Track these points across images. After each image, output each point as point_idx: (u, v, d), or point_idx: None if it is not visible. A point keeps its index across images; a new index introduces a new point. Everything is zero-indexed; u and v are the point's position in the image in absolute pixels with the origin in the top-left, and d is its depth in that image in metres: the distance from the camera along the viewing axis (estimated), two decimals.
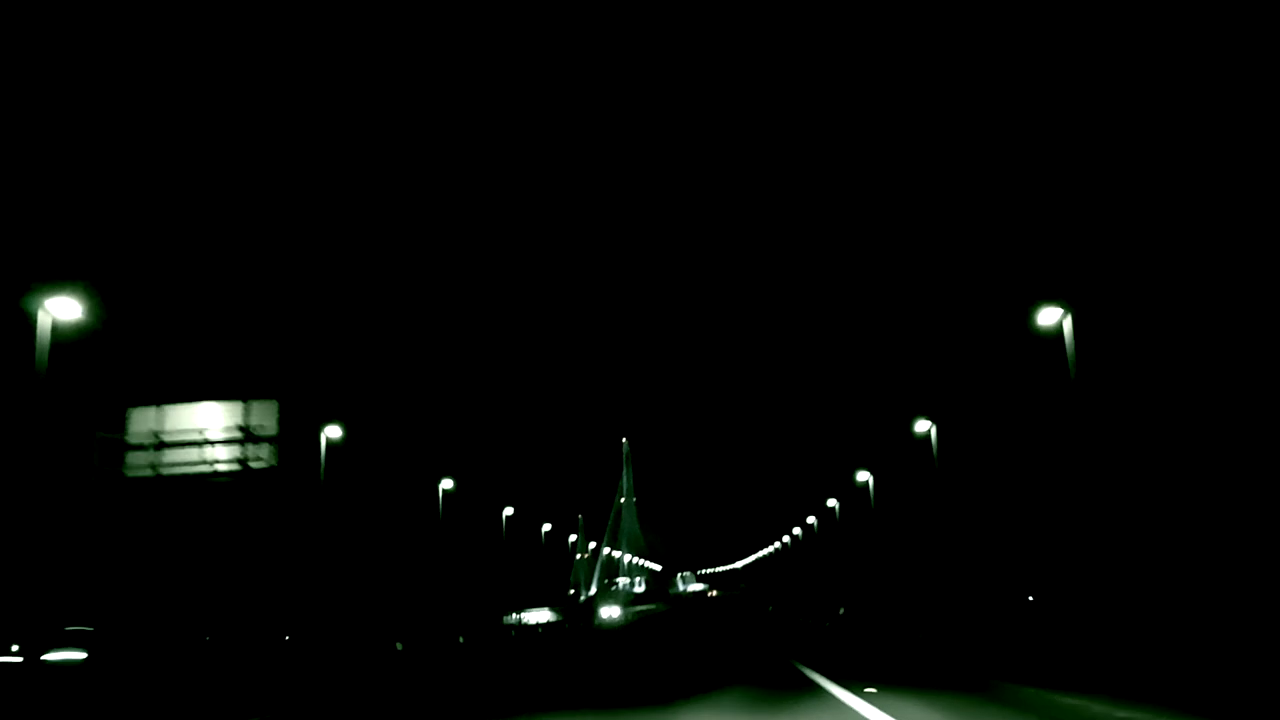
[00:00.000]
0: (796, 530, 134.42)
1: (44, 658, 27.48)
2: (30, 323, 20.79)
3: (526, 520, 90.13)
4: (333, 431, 39.16)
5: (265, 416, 34.66)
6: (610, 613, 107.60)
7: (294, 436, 37.58)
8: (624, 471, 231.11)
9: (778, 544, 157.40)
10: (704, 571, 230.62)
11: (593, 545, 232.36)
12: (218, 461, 34.20)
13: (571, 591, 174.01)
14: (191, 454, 33.92)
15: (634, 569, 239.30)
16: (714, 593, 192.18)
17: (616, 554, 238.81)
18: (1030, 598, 38.31)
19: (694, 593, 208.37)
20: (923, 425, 47.54)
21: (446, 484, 58.85)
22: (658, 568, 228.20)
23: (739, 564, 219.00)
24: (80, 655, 29.68)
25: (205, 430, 34.37)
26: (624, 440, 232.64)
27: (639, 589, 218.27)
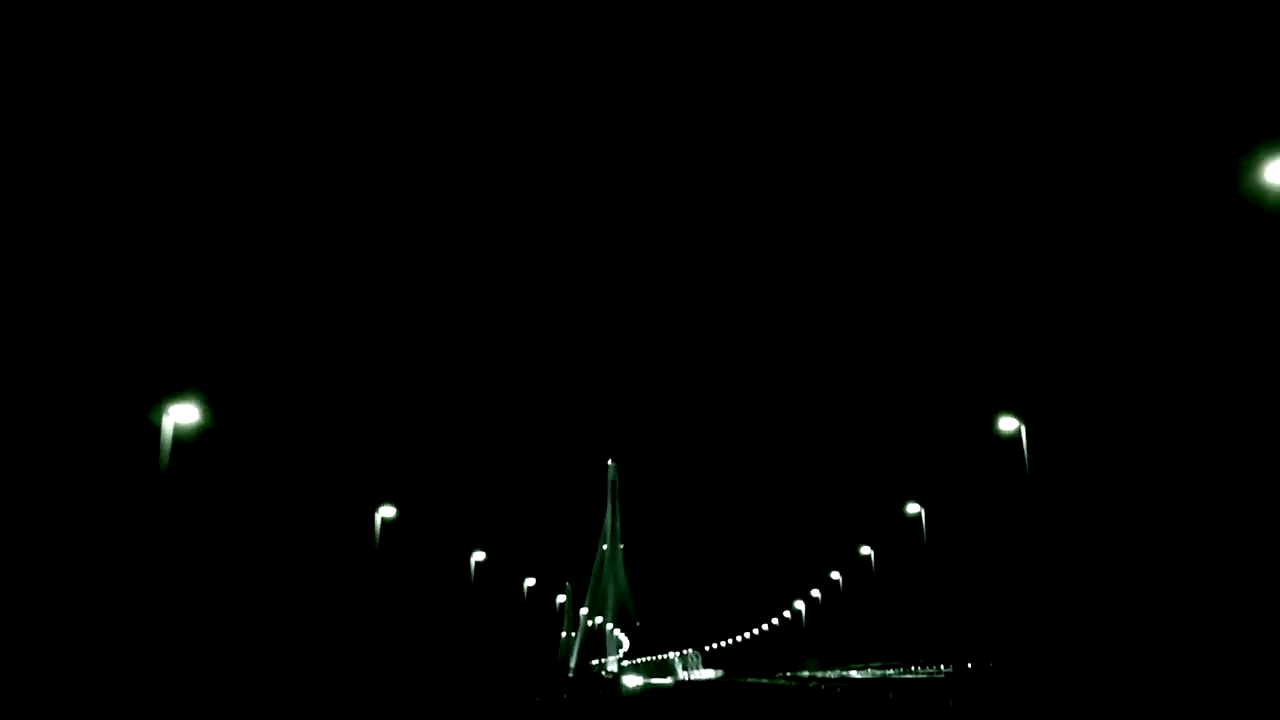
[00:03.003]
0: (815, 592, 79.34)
1: None
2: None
3: (507, 571, 79.12)
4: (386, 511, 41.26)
5: None
6: None
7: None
8: (610, 507, 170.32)
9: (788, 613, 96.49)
10: (714, 646, 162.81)
11: (584, 612, 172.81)
12: None
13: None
14: None
15: (620, 645, 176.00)
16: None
17: (598, 619, 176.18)
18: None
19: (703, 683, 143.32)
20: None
21: (479, 555, 60.06)
22: (625, 643, 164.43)
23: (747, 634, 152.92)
24: None
25: None
26: (611, 464, 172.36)
27: (630, 678, 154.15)
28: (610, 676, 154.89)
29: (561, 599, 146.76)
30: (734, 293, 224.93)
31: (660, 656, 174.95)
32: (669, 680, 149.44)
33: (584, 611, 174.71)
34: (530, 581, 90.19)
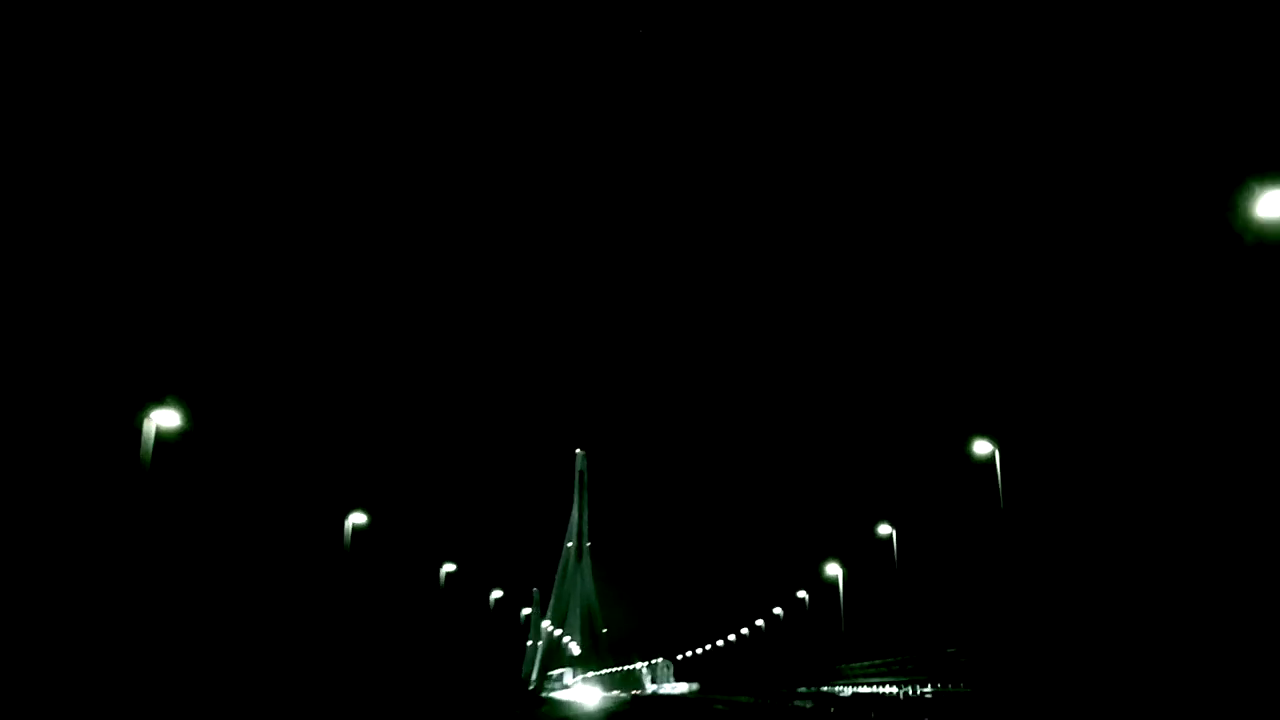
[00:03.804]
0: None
1: None
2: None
3: (473, 580, 74.69)
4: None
5: None
6: None
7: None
8: (577, 498, 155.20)
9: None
10: (688, 655, 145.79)
11: (544, 622, 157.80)
12: None
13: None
14: None
15: (583, 655, 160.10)
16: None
17: (558, 631, 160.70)
18: None
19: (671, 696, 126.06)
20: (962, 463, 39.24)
21: (449, 567, 57.90)
22: (576, 651, 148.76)
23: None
24: None
25: None
26: (579, 453, 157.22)
27: (583, 692, 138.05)
28: (551, 689, 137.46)
29: (527, 611, 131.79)
30: (710, 281, 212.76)
31: (627, 667, 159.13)
32: (625, 695, 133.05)
33: (546, 624, 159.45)
34: (497, 593, 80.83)
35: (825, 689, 50.64)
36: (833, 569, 45.72)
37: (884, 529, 39.67)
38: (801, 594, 56.55)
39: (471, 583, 78.98)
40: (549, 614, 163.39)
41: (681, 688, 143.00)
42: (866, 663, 45.30)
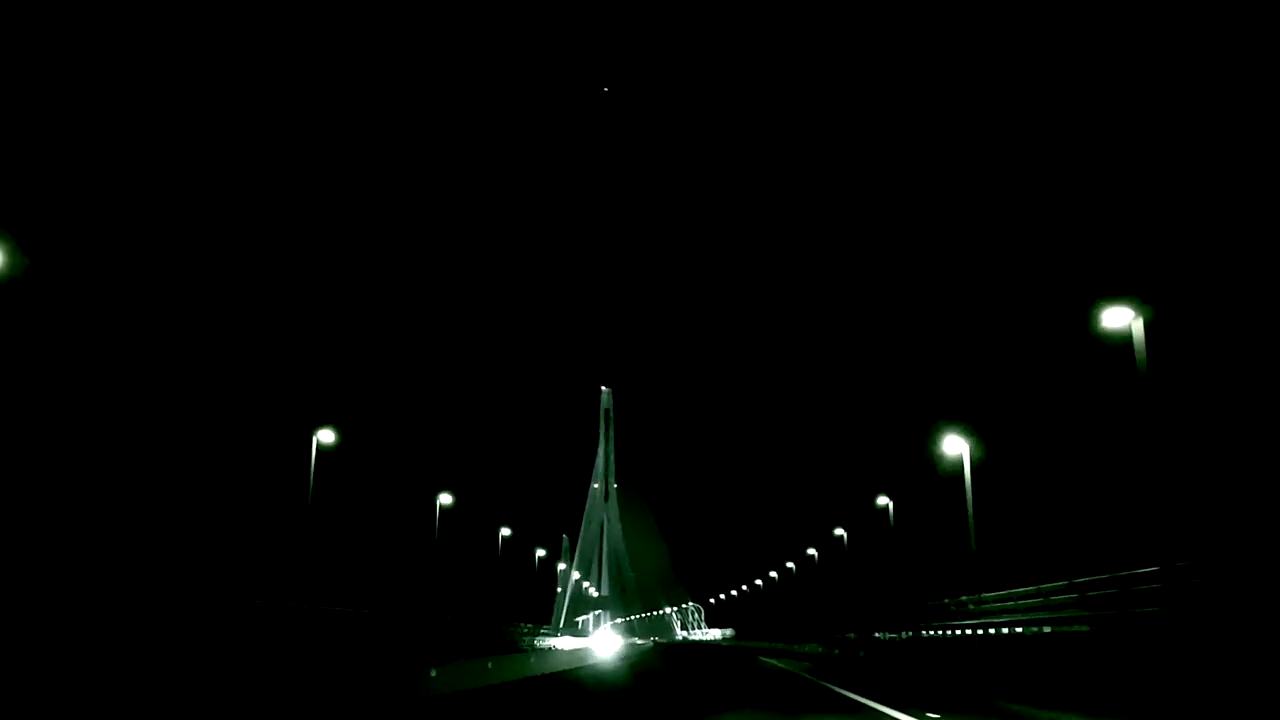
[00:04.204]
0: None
1: None
2: None
3: (485, 523, 68.23)
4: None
5: None
6: None
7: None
8: (603, 438, 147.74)
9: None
10: (719, 598, 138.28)
11: (564, 568, 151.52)
12: None
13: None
14: None
15: (609, 600, 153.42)
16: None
17: (582, 577, 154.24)
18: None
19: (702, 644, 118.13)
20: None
21: (445, 499, 51.77)
22: (594, 593, 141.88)
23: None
24: None
25: None
26: (605, 390, 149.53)
27: (609, 636, 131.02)
28: (541, 639, 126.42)
29: (541, 553, 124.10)
30: (735, 210, 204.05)
31: (656, 612, 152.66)
32: (646, 643, 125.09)
33: (562, 567, 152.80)
34: (447, 498, 71.99)
35: (931, 632, 35.65)
36: (954, 446, 32.42)
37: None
38: (884, 500, 46.50)
39: (488, 527, 69.71)
40: (575, 560, 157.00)
41: (714, 634, 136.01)
42: (1019, 592, 27.66)
